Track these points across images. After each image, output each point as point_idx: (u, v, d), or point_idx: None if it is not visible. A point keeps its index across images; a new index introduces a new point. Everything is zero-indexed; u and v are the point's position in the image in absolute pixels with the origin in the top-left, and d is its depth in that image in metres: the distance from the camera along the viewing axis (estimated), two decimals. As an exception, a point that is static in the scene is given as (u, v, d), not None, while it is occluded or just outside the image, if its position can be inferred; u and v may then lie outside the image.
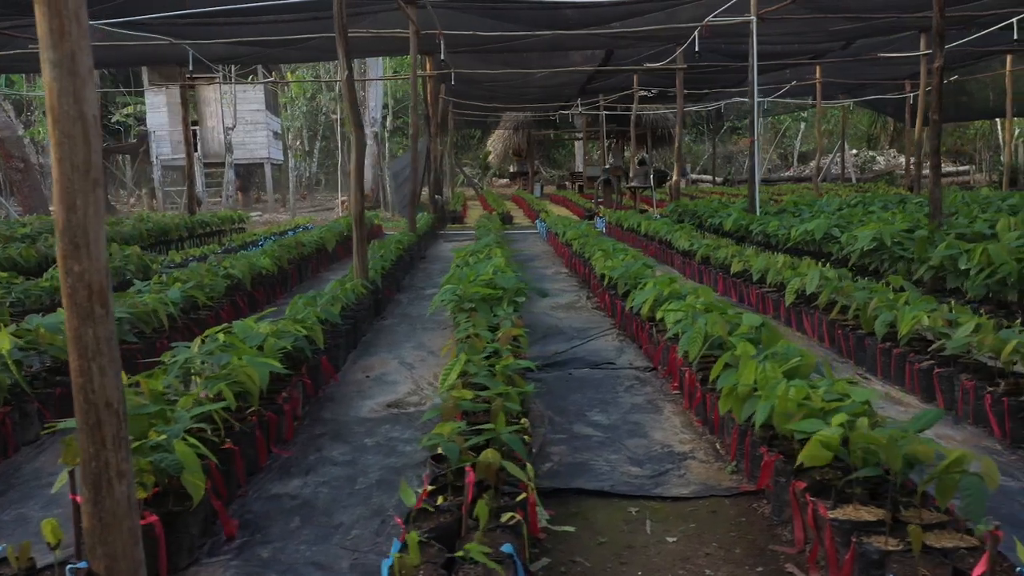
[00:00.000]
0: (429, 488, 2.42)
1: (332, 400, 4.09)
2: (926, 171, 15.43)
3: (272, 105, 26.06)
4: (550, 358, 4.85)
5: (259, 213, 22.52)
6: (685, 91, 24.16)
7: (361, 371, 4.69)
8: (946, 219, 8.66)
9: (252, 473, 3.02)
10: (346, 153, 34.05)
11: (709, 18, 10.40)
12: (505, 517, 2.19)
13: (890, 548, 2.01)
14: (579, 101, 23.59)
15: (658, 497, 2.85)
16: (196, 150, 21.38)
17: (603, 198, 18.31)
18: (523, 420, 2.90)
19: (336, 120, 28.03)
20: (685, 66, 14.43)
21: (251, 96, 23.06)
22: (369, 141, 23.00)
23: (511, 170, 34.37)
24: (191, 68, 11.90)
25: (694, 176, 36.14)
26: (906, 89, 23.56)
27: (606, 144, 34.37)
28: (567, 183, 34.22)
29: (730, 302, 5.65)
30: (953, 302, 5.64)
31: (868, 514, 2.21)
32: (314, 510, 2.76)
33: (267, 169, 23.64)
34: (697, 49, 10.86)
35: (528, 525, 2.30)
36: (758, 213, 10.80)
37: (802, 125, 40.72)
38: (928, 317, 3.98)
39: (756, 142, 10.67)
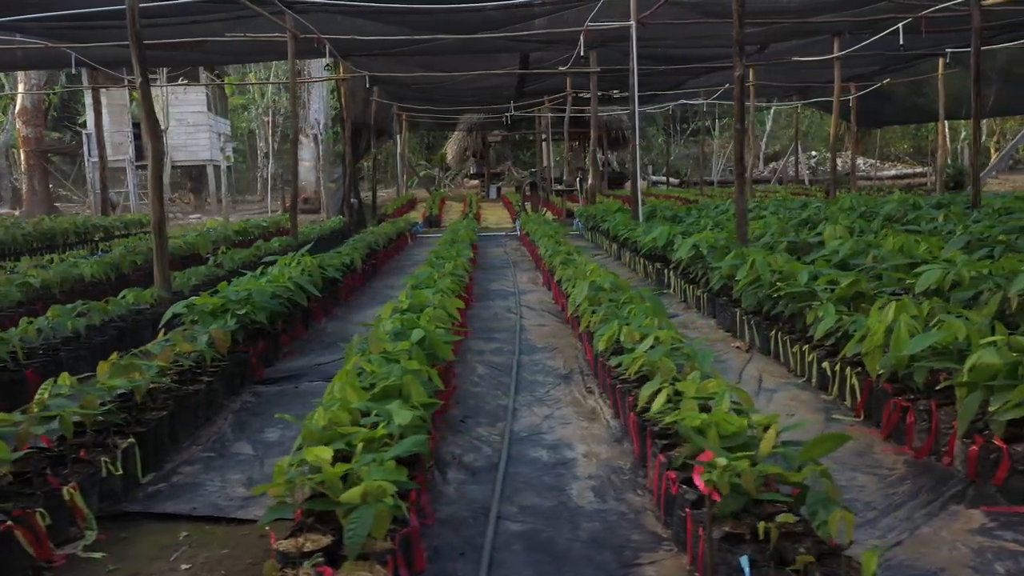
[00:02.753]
0: None
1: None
2: (890, 171, 15.57)
3: (219, 107, 25.92)
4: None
5: (199, 216, 22.40)
6: (625, 93, 24.15)
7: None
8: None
9: None
10: (289, 155, 33.92)
11: (588, 23, 10.36)
12: None
13: None
14: (546, 101, 23.49)
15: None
16: (130, 152, 21.27)
17: (530, 200, 18.27)
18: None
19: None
20: (599, 69, 14.41)
21: (192, 98, 22.93)
22: (310, 144, 22.92)
23: (471, 171, 34.31)
24: (74, 71, 11.76)
25: (655, 178, 36.10)
26: (851, 91, 23.61)
27: (548, 144, 34.38)
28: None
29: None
30: (737, 312, 5.66)
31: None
32: None
33: (210, 171, 23.50)
34: (582, 53, 10.83)
35: None
36: (641, 219, 10.78)
37: (768, 126, 40.81)
38: (625, 330, 3.95)
39: (637, 147, 10.64)
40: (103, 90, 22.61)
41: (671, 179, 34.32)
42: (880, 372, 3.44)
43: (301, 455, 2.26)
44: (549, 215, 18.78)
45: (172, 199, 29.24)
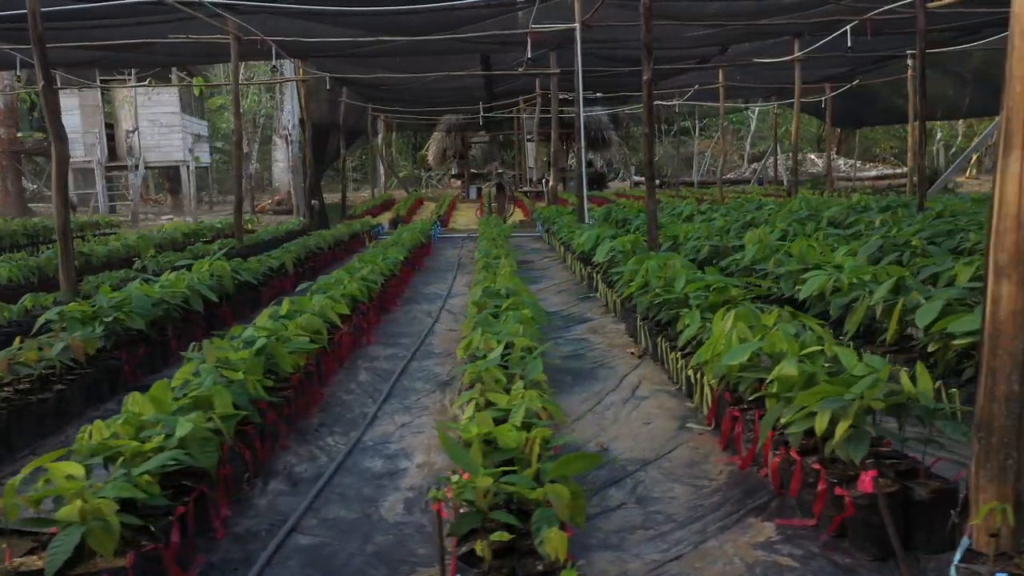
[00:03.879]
0: None
1: None
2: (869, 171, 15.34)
3: (194, 107, 25.87)
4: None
5: (170, 216, 22.36)
6: (598, 94, 24.11)
7: None
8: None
9: None
10: (267, 155, 34.01)
11: (532, 25, 10.34)
12: None
13: None
14: (521, 102, 23.52)
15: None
16: (98, 153, 21.22)
17: (496, 203, 18.24)
18: None
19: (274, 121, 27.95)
20: (558, 70, 14.40)
21: (165, 99, 22.88)
22: (284, 145, 22.90)
23: (453, 172, 34.30)
24: (18, 72, 11.71)
25: (637, 178, 36.10)
26: (825, 91, 23.61)
27: (535, 144, 34.41)
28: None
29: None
30: (637, 317, 5.64)
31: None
32: None
33: (183, 172, 23.45)
34: (530, 55, 10.81)
35: None
36: (587, 222, 10.77)
37: (753, 126, 40.82)
38: (478, 338, 3.93)
39: (583, 149, 10.63)
40: (77, 91, 22.65)
41: (639, 179, 34.20)
42: (713, 381, 3.42)
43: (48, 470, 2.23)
44: (518, 216, 18.76)
45: (148, 199, 29.21)
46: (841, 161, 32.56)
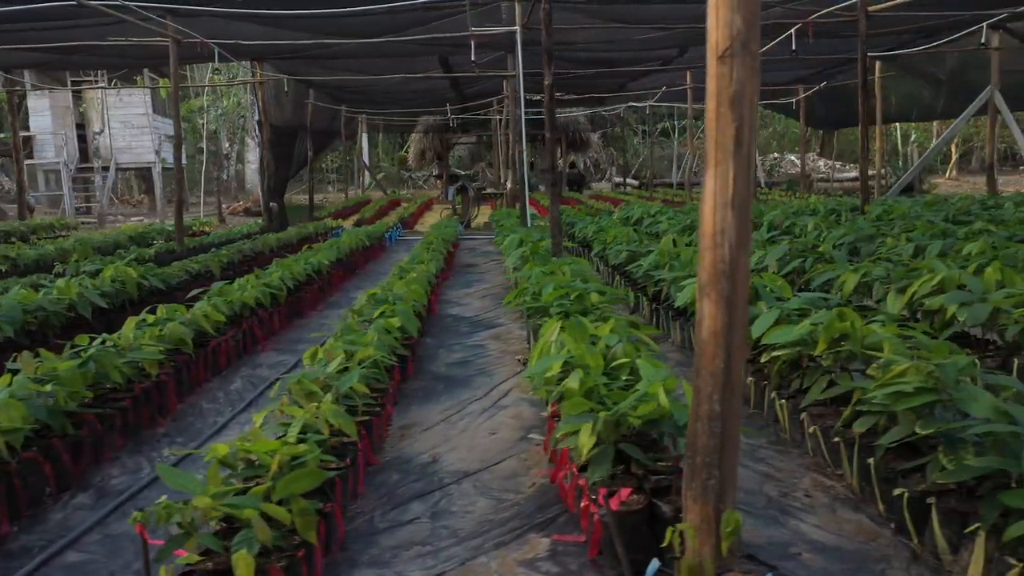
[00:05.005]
0: None
1: None
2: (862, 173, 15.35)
3: (167, 109, 25.79)
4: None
5: (140, 218, 22.29)
6: (570, 96, 24.05)
7: None
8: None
9: None
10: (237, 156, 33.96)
11: (473, 28, 10.31)
12: None
13: None
14: (494, 103, 23.45)
15: None
16: (65, 154, 21.15)
17: (460, 206, 18.22)
18: None
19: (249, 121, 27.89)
20: (514, 73, 14.37)
21: (136, 100, 22.82)
22: (257, 147, 22.84)
23: (434, 172, 34.26)
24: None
25: (619, 179, 36.09)
26: (799, 93, 23.60)
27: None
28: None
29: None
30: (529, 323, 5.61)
31: None
32: None
33: (154, 173, 23.39)
34: (473, 58, 10.78)
35: None
36: (529, 225, 10.75)
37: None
38: (322, 350, 3.90)
39: (525, 152, 10.61)
40: (48, 92, 22.59)
41: (628, 180, 34.33)
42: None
43: None
44: (484, 218, 18.74)
45: (126, 201, 29.14)
46: (822, 163, 32.54)
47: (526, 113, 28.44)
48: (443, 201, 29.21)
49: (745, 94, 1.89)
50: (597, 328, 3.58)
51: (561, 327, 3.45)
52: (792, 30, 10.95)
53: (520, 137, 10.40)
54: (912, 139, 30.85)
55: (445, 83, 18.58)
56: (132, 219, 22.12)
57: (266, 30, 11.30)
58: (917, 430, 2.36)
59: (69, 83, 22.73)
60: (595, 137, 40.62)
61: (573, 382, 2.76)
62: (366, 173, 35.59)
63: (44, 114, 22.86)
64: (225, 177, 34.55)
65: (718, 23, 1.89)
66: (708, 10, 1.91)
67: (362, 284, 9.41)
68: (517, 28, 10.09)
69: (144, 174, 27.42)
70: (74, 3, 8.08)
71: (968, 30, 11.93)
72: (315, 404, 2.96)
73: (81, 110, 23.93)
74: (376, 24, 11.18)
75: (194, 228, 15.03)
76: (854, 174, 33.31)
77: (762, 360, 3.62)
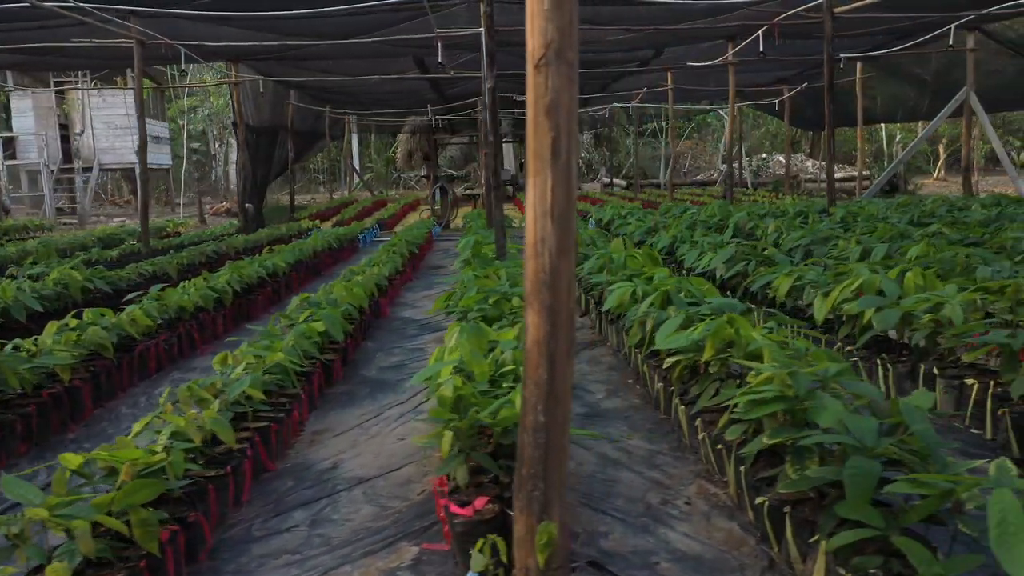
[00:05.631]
0: None
1: None
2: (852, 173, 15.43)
3: (155, 109, 25.76)
4: None
5: (122, 220, 22.25)
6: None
7: None
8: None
9: None
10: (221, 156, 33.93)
11: (438, 30, 10.29)
12: None
13: None
14: (478, 104, 23.40)
15: None
16: (45, 155, 21.10)
17: (440, 207, 18.20)
18: None
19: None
20: (480, 75, 14.35)
21: (119, 100, 22.77)
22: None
23: (422, 173, 34.23)
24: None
25: (606, 179, 36.08)
26: (783, 93, 23.62)
27: (507, 146, 34.40)
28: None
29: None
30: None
31: None
32: None
33: (137, 174, 23.32)
34: (440, 60, 10.75)
35: None
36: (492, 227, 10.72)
37: (727, 127, 40.80)
38: (231, 356, 3.88)
39: (494, 156, 10.57)
40: (31, 92, 22.57)
41: (615, 180, 34.36)
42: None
43: None
44: (460, 221, 18.73)
45: (114, 201, 29.12)
46: (810, 163, 32.55)
47: (513, 114, 28.45)
48: (429, 202, 29.22)
49: (561, 103, 1.88)
50: (500, 333, 3.57)
51: (460, 331, 3.43)
52: (760, 32, 10.94)
53: (487, 139, 10.35)
54: (897, 139, 30.85)
55: (425, 84, 18.57)
56: (116, 220, 22.11)
57: (233, 31, 11.27)
58: (764, 440, 2.35)
59: (52, 84, 22.69)
60: (586, 137, 40.64)
61: (446, 389, 2.74)
62: (355, 174, 35.58)
63: (27, 115, 22.82)
64: (213, 178, 34.56)
65: (533, 31, 1.88)
66: (526, 18, 1.90)
67: (319, 287, 9.39)
68: (483, 30, 10.05)
69: (129, 174, 27.43)
70: (27, 4, 8.04)
71: (937, 31, 11.92)
72: (194, 412, 2.94)
73: (64, 110, 23.89)
74: (344, 25, 11.16)
75: (168, 229, 15.00)
76: (842, 175, 33.38)
77: (664, 366, 3.61)
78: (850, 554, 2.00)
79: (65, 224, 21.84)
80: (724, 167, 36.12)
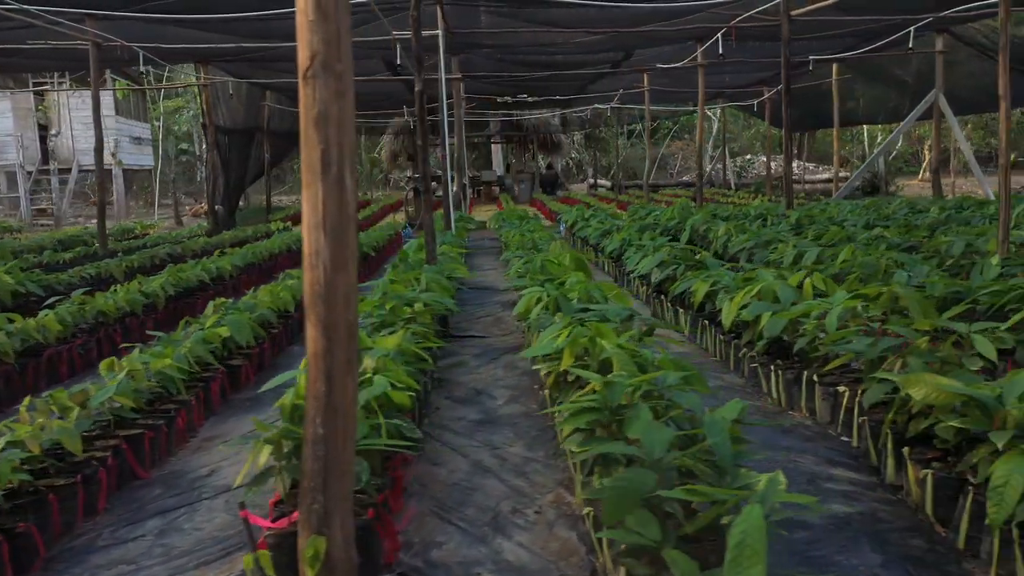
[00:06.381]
0: None
1: None
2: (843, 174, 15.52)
3: (134, 110, 25.75)
4: None
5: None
6: (524, 97, 24.06)
7: None
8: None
9: None
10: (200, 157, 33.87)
11: (396, 33, 10.29)
12: None
13: None
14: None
15: None
16: (20, 156, 21.08)
17: (414, 208, 18.18)
18: None
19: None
20: (459, 75, 14.37)
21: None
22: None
23: (407, 174, 34.23)
24: None
25: (590, 180, 36.17)
26: (762, 94, 23.65)
27: (495, 147, 34.48)
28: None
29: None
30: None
31: None
32: None
33: (116, 176, 23.33)
34: (399, 61, 10.76)
35: None
36: (454, 230, 10.74)
37: (714, 128, 40.86)
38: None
39: (447, 159, 10.59)
40: (9, 93, 22.55)
41: (599, 182, 34.45)
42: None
43: None
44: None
45: (93, 202, 29.05)
46: (795, 164, 32.58)
47: (498, 115, 28.37)
48: (405, 204, 29.22)
49: (330, 115, 1.87)
50: (378, 340, 3.56)
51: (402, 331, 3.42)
52: (719, 34, 10.94)
53: (444, 141, 10.36)
54: (878, 141, 30.89)
55: (400, 86, 18.55)
56: (91, 221, 22.07)
57: (195, 33, 11.26)
58: (574, 448, 2.34)
59: (31, 84, 22.68)
60: (574, 138, 40.62)
61: (288, 398, 2.74)
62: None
63: (6, 116, 22.82)
64: (199, 178, 34.51)
65: (301, 43, 1.87)
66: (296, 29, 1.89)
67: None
68: (440, 32, 10.07)
69: (126, 176, 27.39)
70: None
71: (897, 35, 11.94)
72: (43, 421, 2.93)
73: (43, 111, 23.87)
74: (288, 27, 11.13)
75: (137, 231, 14.98)
76: (827, 175, 33.42)
77: (541, 374, 3.61)
78: (634, 564, 2.00)
79: (43, 225, 21.84)
80: (709, 168, 36.21)
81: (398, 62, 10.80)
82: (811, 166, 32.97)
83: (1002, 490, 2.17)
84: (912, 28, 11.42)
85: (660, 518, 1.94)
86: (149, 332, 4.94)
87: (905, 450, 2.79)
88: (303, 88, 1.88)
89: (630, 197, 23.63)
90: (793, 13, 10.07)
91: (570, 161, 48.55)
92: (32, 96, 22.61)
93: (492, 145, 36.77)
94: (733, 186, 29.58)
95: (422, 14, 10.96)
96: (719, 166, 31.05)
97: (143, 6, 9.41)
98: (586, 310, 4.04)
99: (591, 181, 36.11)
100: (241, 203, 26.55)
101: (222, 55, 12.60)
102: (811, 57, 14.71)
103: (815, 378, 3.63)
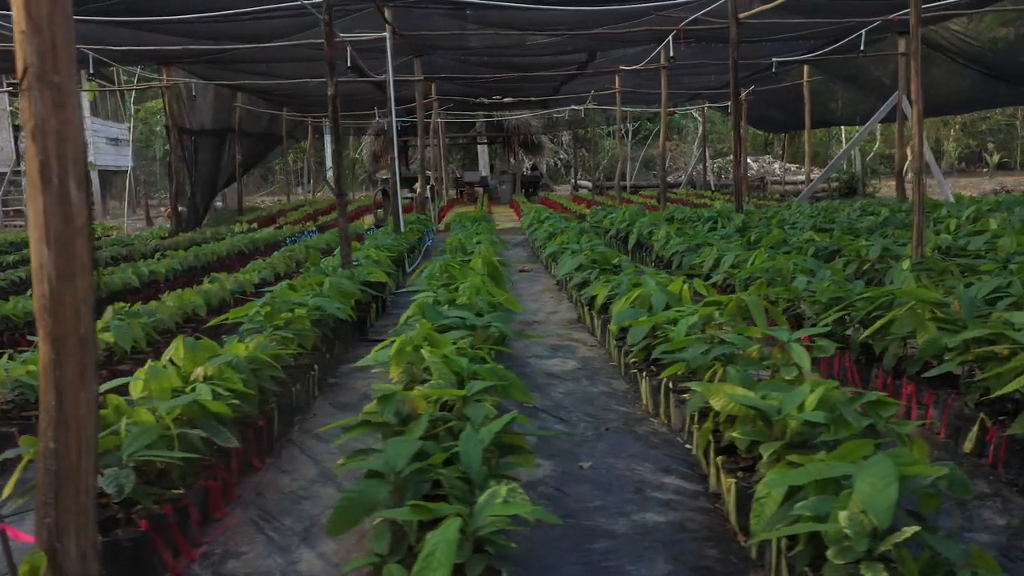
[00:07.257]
0: None
1: None
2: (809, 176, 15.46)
3: (116, 111, 25.71)
4: None
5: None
6: (499, 98, 24.02)
7: None
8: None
9: None
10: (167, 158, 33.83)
11: (343, 36, 10.27)
12: None
13: None
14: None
15: None
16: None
17: (383, 208, 18.19)
18: None
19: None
20: (422, 77, 14.37)
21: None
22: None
23: (385, 175, 34.27)
24: None
25: (579, 182, 36.19)
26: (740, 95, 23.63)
27: (481, 148, 34.43)
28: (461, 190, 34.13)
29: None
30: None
31: None
32: None
33: (93, 176, 23.28)
34: (349, 64, 10.74)
35: None
36: (402, 230, 10.73)
37: (700, 129, 40.86)
38: None
39: (396, 160, 10.58)
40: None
41: (579, 183, 34.48)
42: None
43: None
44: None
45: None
46: (776, 165, 32.62)
47: (478, 116, 28.25)
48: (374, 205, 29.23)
49: (47, 128, 1.85)
50: (231, 347, 3.55)
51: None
52: (669, 37, 10.94)
53: (392, 144, 10.35)
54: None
55: (372, 87, 18.54)
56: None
57: (145, 35, 11.24)
58: (342, 461, 2.33)
59: (5, 84, 22.61)
60: (562, 138, 40.64)
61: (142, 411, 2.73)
62: (328, 175, 35.60)
63: (-18, 117, 22.75)
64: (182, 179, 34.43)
65: (17, 54, 1.86)
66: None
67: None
68: (387, 34, 10.06)
69: (105, 178, 27.30)
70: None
71: (851, 37, 11.94)
72: None
73: (16, 110, 23.82)
74: (257, 28, 11.15)
75: (98, 232, 14.95)
76: (803, 176, 33.45)
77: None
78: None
79: (18, 227, 21.79)
80: (689, 170, 36.24)
81: (348, 65, 10.78)
82: (793, 167, 32.98)
83: (764, 501, 2.16)
84: (863, 31, 11.42)
85: (391, 533, 1.93)
86: (29, 338, 4.92)
87: (719, 459, 2.78)
88: (21, 99, 1.87)
89: (606, 198, 23.61)
90: (741, 16, 10.06)
91: (559, 162, 48.57)
92: (6, 96, 22.55)
93: (479, 146, 36.79)
94: (713, 187, 29.59)
95: (366, 15, 11.01)
96: (699, 167, 31.05)
97: (86, 7, 9.38)
98: (460, 319, 4.04)
99: (574, 182, 36.13)
100: (219, 204, 26.52)
101: (177, 57, 12.58)
102: (773, 59, 14.70)
103: (671, 385, 3.62)
